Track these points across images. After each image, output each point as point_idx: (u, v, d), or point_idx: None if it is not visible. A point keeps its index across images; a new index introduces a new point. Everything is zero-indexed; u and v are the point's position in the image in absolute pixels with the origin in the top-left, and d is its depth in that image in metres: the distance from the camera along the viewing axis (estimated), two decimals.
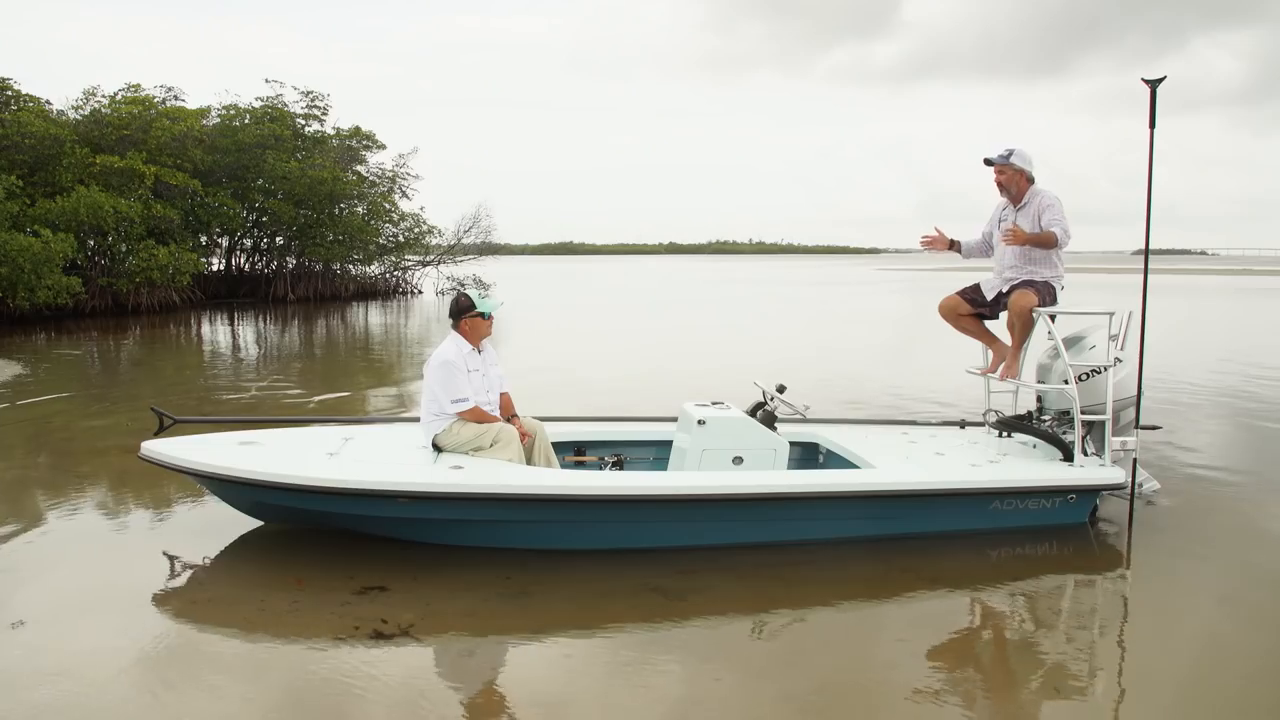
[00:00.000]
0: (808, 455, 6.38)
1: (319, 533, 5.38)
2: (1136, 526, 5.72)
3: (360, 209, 33.67)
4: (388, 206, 34.79)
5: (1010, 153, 5.89)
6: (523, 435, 5.47)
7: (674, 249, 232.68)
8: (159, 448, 5.25)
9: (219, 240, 32.13)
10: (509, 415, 5.64)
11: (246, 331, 21.07)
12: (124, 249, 24.94)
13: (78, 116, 27.43)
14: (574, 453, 6.15)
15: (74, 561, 5.16)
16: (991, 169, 5.98)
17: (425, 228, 35.77)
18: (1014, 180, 5.92)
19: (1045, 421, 6.08)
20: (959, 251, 6.38)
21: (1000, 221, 6.15)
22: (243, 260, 34.28)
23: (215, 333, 20.85)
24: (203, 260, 29.18)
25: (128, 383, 12.66)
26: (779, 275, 62.47)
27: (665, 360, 15.05)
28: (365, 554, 5.07)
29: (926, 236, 6.29)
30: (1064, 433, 5.83)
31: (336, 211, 32.66)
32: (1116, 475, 5.56)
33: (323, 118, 33.72)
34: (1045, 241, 5.83)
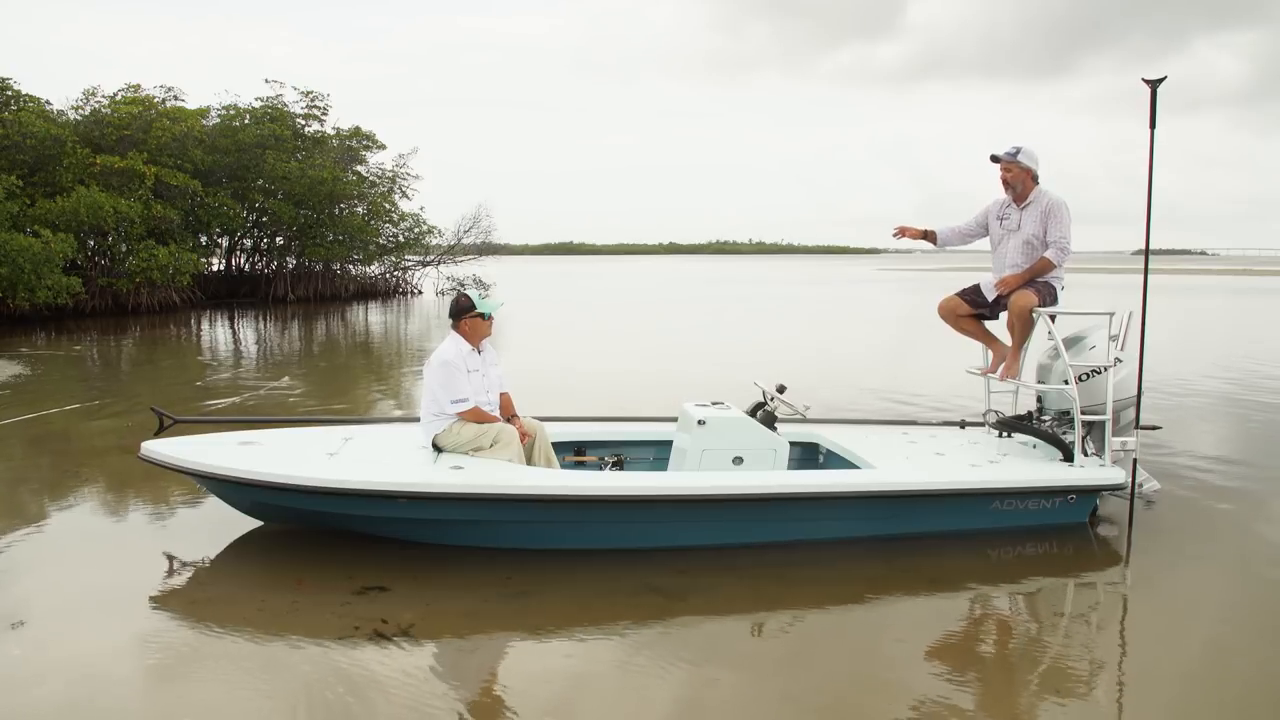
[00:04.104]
0: (808, 455, 6.38)
1: (319, 533, 5.38)
2: (1136, 526, 5.72)
3: (360, 209, 33.64)
4: (388, 207, 34.77)
5: (1018, 150, 5.90)
6: (523, 435, 5.47)
7: (674, 249, 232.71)
8: (159, 448, 5.25)
9: (219, 240, 32.08)
10: (509, 415, 5.64)
11: (246, 332, 21.07)
12: (124, 249, 24.94)
13: (78, 117, 27.42)
14: (574, 453, 6.15)
15: (74, 561, 5.16)
16: (997, 165, 5.99)
17: (425, 228, 35.76)
18: (1020, 178, 5.93)
19: (1045, 421, 6.08)
20: (932, 241, 6.32)
21: (1001, 219, 6.14)
22: (243, 260, 34.25)
23: (215, 333, 20.85)
24: (203, 260, 29.17)
25: (128, 383, 12.66)
26: (779, 275, 62.48)
27: (665, 360, 15.05)
28: (365, 554, 5.07)
29: (898, 229, 6.30)
30: (1064, 433, 5.83)
31: (336, 211, 32.63)
32: (1116, 475, 5.56)
33: (323, 118, 33.71)
34: (1040, 271, 5.87)
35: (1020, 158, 5.89)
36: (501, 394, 5.69)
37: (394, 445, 5.51)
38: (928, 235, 6.29)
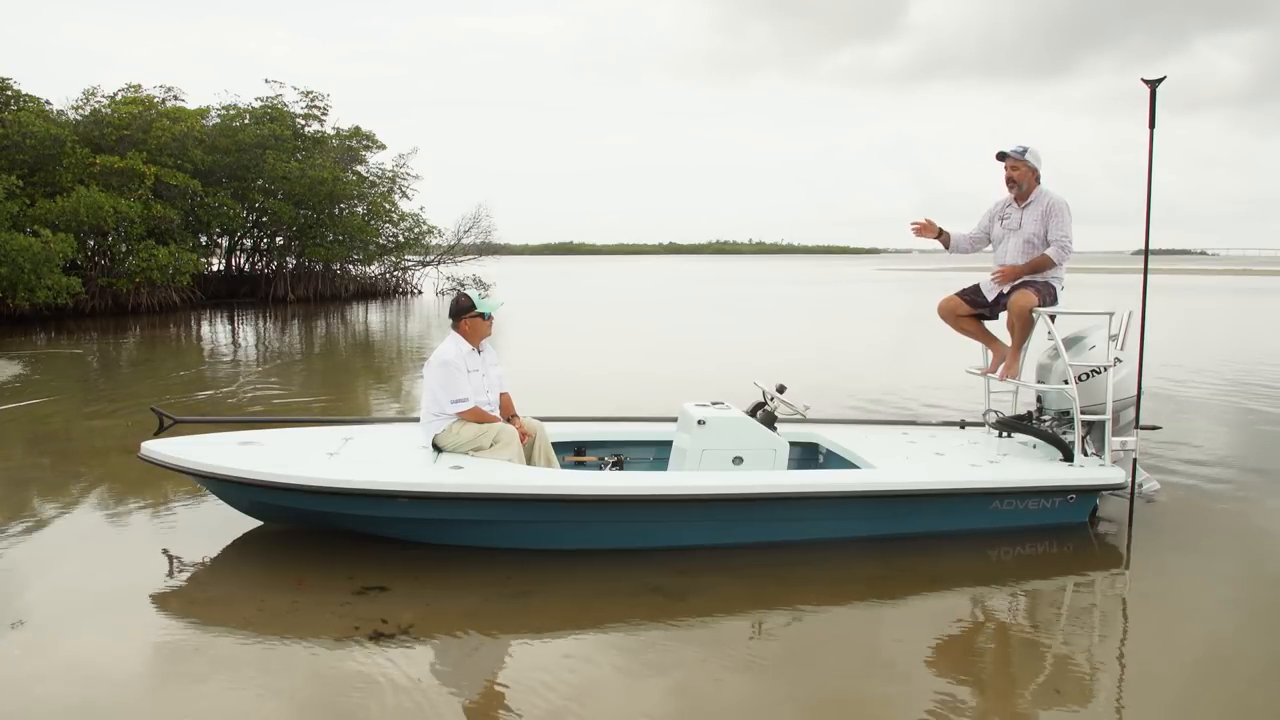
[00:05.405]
0: (808, 455, 6.38)
1: (319, 533, 5.38)
2: (1136, 526, 5.72)
3: (360, 209, 33.65)
4: (388, 207, 34.77)
5: (1025, 149, 5.92)
6: (522, 435, 5.47)
7: (674, 249, 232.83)
8: (159, 448, 5.25)
9: (219, 240, 32.08)
10: (509, 415, 5.64)
11: (246, 332, 21.07)
12: (124, 249, 24.93)
13: (78, 117, 27.41)
14: (574, 453, 6.15)
15: (74, 561, 5.16)
16: (1003, 164, 5.99)
17: (425, 228, 35.76)
18: (1025, 176, 5.94)
19: (1045, 421, 6.08)
20: (945, 244, 6.34)
21: (1002, 219, 6.15)
22: (243, 260, 34.25)
23: (215, 333, 20.85)
24: (203, 260, 29.17)
25: (128, 383, 12.66)
26: (779, 275, 62.48)
27: (665, 360, 15.05)
28: (365, 554, 5.07)
29: (916, 223, 6.29)
30: (1064, 433, 5.83)
31: (336, 211, 32.63)
32: (1116, 475, 5.56)
33: (322, 118, 33.69)
34: (1039, 267, 5.87)
35: (1027, 156, 5.91)
36: (501, 394, 5.69)
37: (394, 445, 5.51)
38: (942, 236, 6.29)
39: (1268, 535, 5.79)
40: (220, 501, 5.48)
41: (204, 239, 30.29)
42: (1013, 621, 4.58)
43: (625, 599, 4.58)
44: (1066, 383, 5.66)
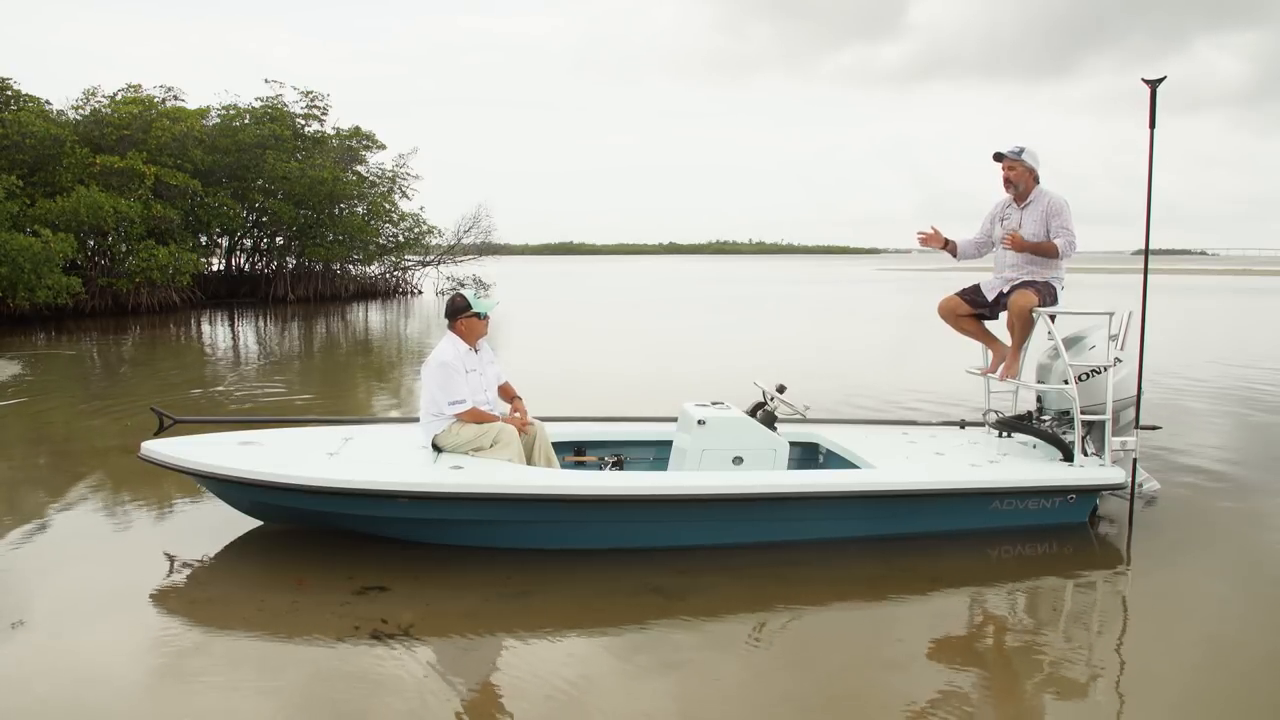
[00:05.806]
0: (808, 455, 6.38)
1: (319, 533, 5.38)
2: (1136, 526, 5.72)
3: (360, 209, 33.66)
4: (388, 206, 34.78)
5: (1021, 150, 5.92)
6: (524, 423, 5.48)
7: (674, 249, 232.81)
8: (159, 448, 5.25)
9: (219, 240, 32.10)
10: (511, 398, 5.69)
11: (246, 332, 21.07)
12: (124, 249, 24.95)
13: (78, 116, 27.42)
14: (574, 453, 6.16)
15: (74, 561, 5.16)
16: (1000, 164, 5.99)
17: (425, 228, 35.78)
18: (1023, 177, 5.94)
19: (1045, 421, 6.08)
20: (953, 253, 6.35)
21: (1002, 220, 6.15)
22: (243, 260, 34.27)
23: (215, 333, 20.85)
24: (203, 260, 29.18)
25: (128, 383, 12.66)
26: (779, 275, 62.48)
27: (665, 360, 15.05)
28: (365, 554, 5.07)
29: (923, 233, 6.28)
30: (1064, 433, 5.83)
31: (336, 211, 32.65)
32: (1116, 475, 5.56)
33: (322, 118, 33.71)
34: (1046, 251, 5.86)
35: (1024, 156, 5.90)
36: (501, 386, 5.71)
37: (394, 445, 5.51)
38: (948, 245, 6.28)
39: (1268, 535, 5.78)
40: (220, 501, 5.48)
41: (204, 239, 30.30)
42: (1013, 621, 4.58)
43: (625, 599, 4.58)
44: (1066, 383, 5.66)
